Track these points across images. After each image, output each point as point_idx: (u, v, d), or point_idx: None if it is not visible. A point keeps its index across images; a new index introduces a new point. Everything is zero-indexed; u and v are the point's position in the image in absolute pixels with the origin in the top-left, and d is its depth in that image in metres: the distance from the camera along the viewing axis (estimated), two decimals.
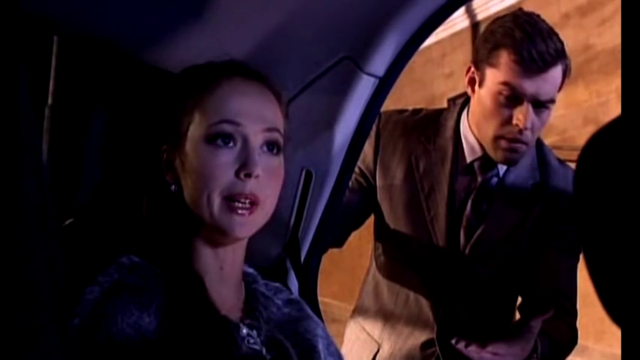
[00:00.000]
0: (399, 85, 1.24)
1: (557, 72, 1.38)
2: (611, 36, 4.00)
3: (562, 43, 1.39)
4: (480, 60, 1.43)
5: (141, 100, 1.10)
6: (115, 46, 1.09)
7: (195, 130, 0.92)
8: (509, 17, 1.42)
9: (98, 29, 1.07)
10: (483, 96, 1.44)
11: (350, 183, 1.41)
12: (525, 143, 1.43)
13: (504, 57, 1.38)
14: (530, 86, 1.37)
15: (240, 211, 0.90)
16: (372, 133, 1.53)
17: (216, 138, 0.91)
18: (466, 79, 1.48)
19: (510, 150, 1.43)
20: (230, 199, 0.90)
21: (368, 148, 1.53)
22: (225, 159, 0.90)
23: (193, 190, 0.91)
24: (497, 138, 1.43)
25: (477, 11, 5.26)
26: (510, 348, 1.30)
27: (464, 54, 5.35)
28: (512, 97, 1.39)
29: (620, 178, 0.48)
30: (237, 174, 0.90)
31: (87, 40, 1.08)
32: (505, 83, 1.38)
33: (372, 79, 1.17)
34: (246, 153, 0.91)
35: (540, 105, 1.40)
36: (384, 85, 1.19)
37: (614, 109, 3.86)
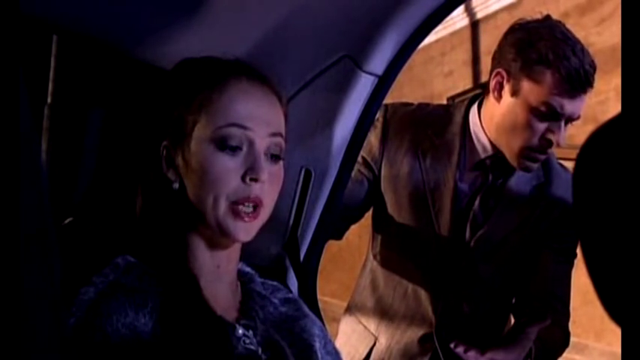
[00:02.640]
0: (398, 84, 1.24)
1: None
2: (610, 35, 4.00)
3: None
4: (517, 70, 1.40)
5: (139, 99, 1.10)
6: (113, 45, 1.09)
7: (201, 130, 0.91)
8: (546, 29, 1.40)
9: (96, 28, 1.07)
10: (516, 107, 1.42)
11: (352, 174, 1.40)
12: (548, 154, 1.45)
13: (549, 75, 1.36)
14: (570, 106, 1.38)
15: (245, 218, 0.90)
16: (379, 124, 1.54)
17: (224, 141, 0.90)
18: (493, 82, 1.45)
19: (535, 160, 1.45)
20: (235, 204, 0.90)
21: (374, 139, 1.53)
22: (232, 163, 0.90)
23: (199, 191, 0.91)
24: (526, 148, 1.43)
25: (476, 10, 5.25)
26: (508, 354, 1.31)
27: (463, 52, 5.35)
28: (550, 114, 1.39)
29: (619, 176, 0.48)
30: (243, 178, 0.90)
31: (85, 39, 1.08)
32: (547, 102, 1.37)
33: (372, 78, 1.17)
34: (253, 157, 0.91)
35: (570, 120, 1.41)
36: (384, 83, 1.19)
37: (614, 108, 3.85)
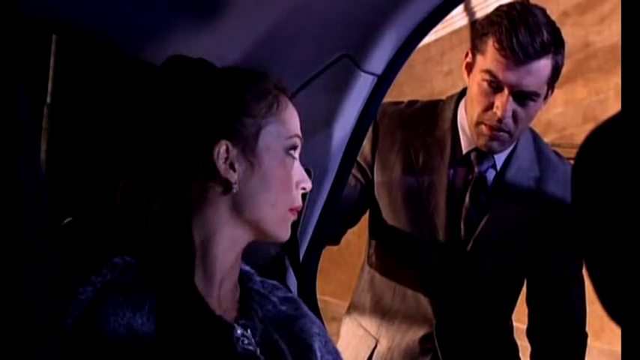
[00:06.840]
0: (397, 83, 1.24)
1: (542, 65, 1.37)
2: (609, 34, 4.00)
3: (554, 37, 1.37)
4: (474, 46, 1.44)
5: (138, 99, 1.09)
6: (112, 45, 1.09)
7: (273, 138, 0.94)
8: (505, 6, 1.41)
9: (96, 29, 1.07)
10: (471, 81, 1.45)
11: None
12: (507, 132, 1.43)
13: (489, 44, 1.38)
14: (511, 76, 1.37)
15: (292, 216, 0.97)
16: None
17: (293, 150, 0.96)
18: (464, 64, 1.48)
19: (490, 137, 1.43)
20: (289, 210, 0.96)
21: (365, 142, 1.52)
22: (292, 172, 0.96)
23: (262, 195, 0.93)
24: (478, 123, 1.44)
25: (475, 9, 5.25)
26: None
27: (463, 52, 5.33)
28: (494, 85, 1.39)
29: (618, 175, 0.48)
30: (296, 186, 0.96)
31: (85, 39, 1.08)
32: (487, 70, 1.39)
33: (371, 77, 1.17)
34: (301, 168, 0.97)
35: (524, 97, 1.40)
36: (383, 83, 1.19)
37: (613, 107, 3.85)
